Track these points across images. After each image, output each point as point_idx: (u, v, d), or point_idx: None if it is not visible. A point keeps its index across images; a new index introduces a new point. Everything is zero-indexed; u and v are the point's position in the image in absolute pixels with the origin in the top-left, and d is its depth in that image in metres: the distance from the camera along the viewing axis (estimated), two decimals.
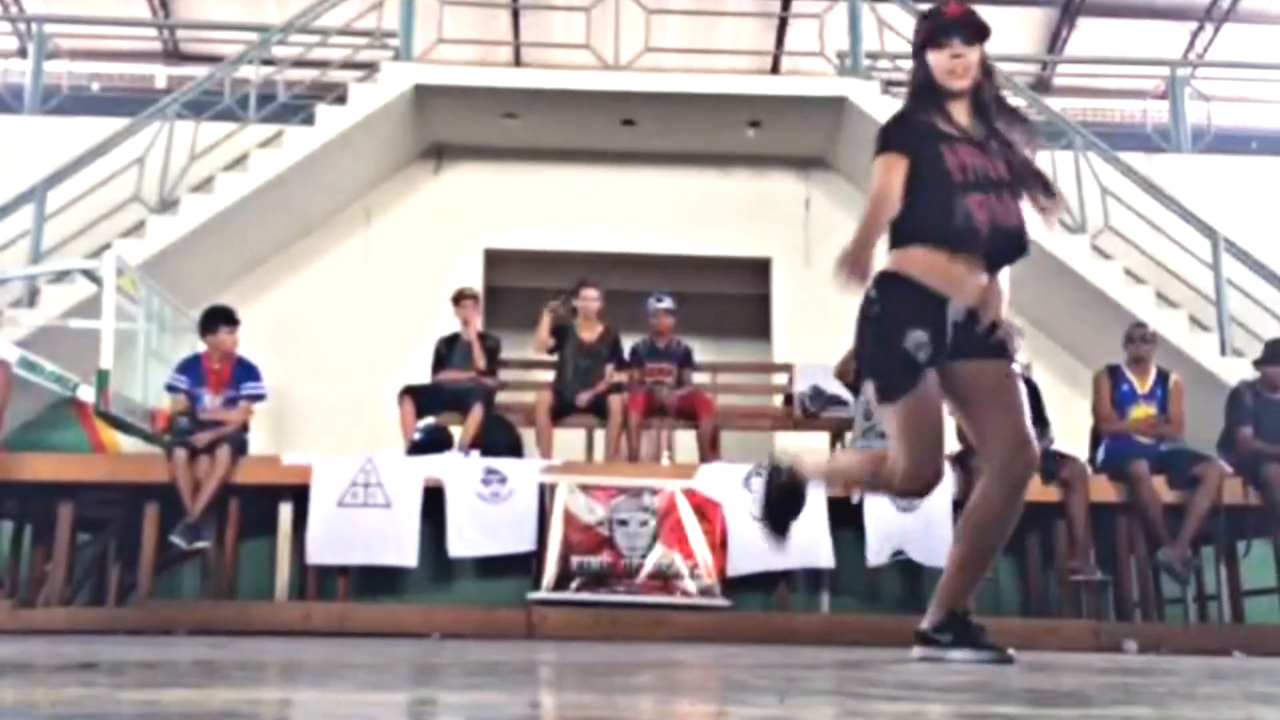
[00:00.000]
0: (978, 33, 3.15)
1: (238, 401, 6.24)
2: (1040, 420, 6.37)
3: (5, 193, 7.58)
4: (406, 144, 8.78)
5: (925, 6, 8.96)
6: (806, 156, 8.93)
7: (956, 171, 3.06)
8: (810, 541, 5.97)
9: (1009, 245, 3.09)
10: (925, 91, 3.18)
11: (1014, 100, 4.03)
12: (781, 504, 3.36)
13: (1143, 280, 8.05)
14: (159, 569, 5.97)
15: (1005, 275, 3.18)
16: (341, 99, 8.21)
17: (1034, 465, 3.13)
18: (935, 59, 3.14)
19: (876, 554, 5.93)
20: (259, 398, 6.33)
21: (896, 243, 3.15)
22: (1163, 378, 6.40)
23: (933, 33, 3.14)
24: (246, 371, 6.33)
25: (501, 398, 7.16)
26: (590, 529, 5.90)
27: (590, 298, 7.08)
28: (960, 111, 3.17)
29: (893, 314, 3.05)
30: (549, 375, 7.23)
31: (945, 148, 3.09)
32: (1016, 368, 3.18)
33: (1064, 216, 8.13)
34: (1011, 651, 3.15)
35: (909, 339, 3.00)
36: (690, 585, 5.87)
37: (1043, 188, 3.13)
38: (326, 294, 8.55)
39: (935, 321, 3.04)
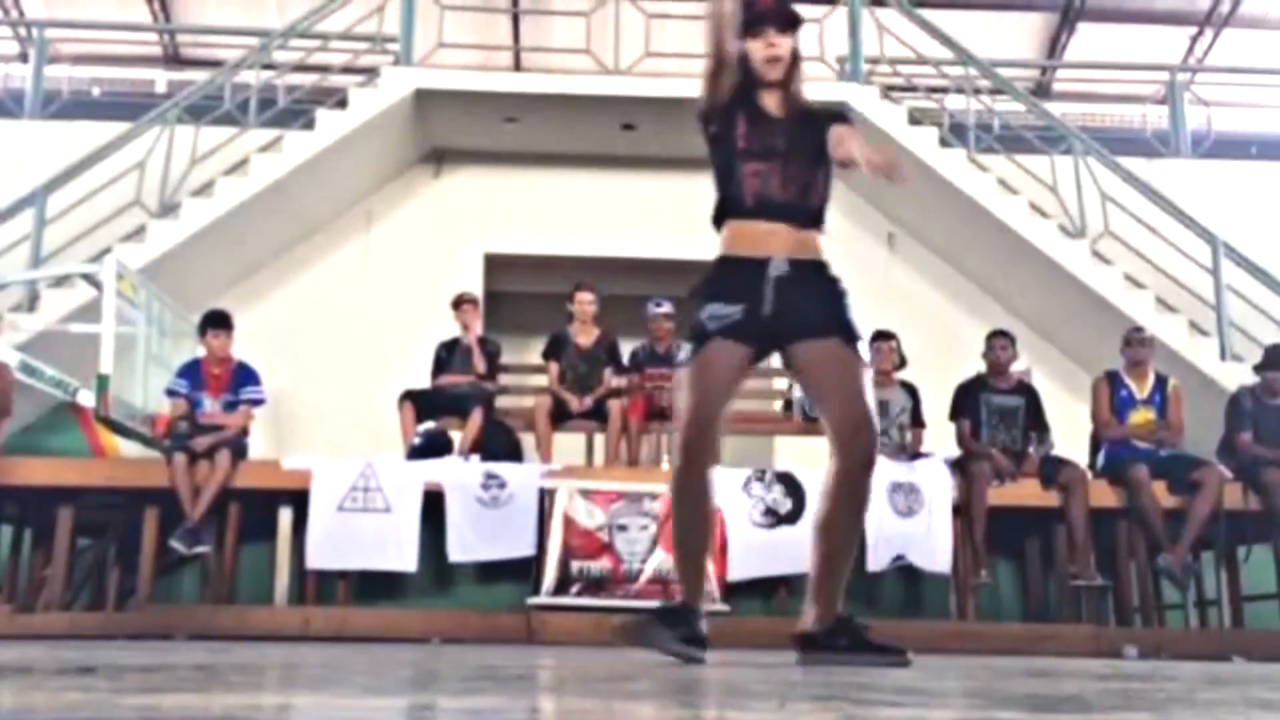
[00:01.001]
0: (790, 22, 3.24)
1: (237, 405, 6.24)
2: (1040, 425, 6.39)
3: (6, 197, 7.58)
4: (407, 148, 8.79)
5: (924, 12, 8.97)
6: None
7: (741, 139, 3.18)
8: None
9: (786, 212, 3.13)
10: (744, 81, 3.24)
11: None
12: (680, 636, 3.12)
13: (1142, 285, 8.06)
14: (158, 574, 5.97)
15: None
16: (342, 103, 8.22)
17: (871, 449, 3.03)
18: (751, 48, 3.21)
19: (877, 559, 5.93)
20: (258, 402, 6.34)
21: (717, 224, 3.24)
22: (1161, 382, 6.40)
23: (748, 23, 3.21)
24: (246, 375, 6.34)
25: (501, 402, 7.16)
26: (590, 534, 5.90)
27: (585, 301, 7.07)
28: (771, 99, 3.25)
29: (701, 291, 3.16)
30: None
31: (744, 118, 3.20)
32: (863, 349, 3.13)
33: (1064, 222, 8.18)
34: (910, 655, 3.07)
35: (705, 310, 3.09)
36: None
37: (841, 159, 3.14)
38: (327, 298, 8.55)
39: (752, 286, 3.07)
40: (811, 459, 7.40)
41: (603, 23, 8.73)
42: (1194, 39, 12.00)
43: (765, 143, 3.17)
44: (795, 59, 3.27)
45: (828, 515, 3.10)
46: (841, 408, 3.06)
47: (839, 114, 3.40)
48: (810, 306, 3.09)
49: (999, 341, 6.48)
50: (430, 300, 7.72)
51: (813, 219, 3.18)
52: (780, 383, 7.92)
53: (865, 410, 3.05)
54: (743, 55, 3.24)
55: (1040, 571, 6.45)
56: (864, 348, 3.16)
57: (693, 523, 3.18)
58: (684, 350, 3.14)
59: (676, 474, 3.12)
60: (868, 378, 3.12)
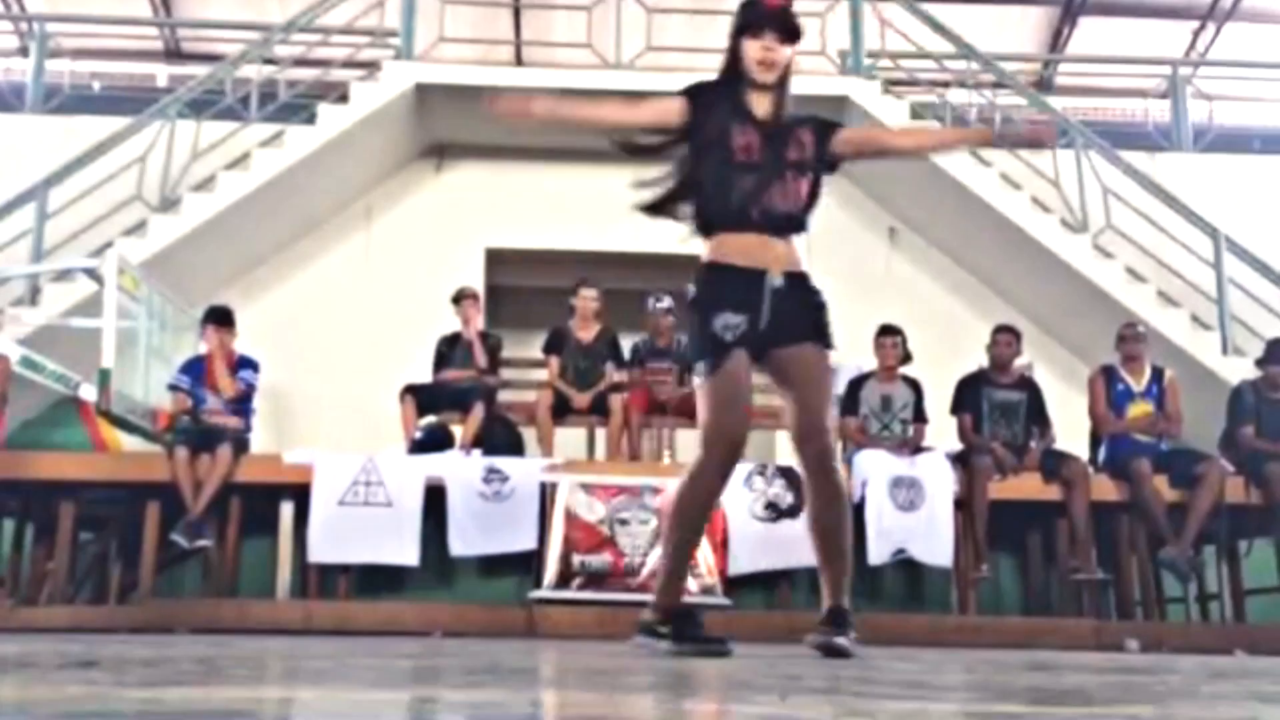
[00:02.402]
0: (792, 33, 3.24)
1: (240, 403, 6.29)
2: (1041, 420, 6.39)
3: (7, 192, 7.58)
4: (408, 143, 8.78)
5: (926, 6, 8.95)
6: None
7: (740, 151, 3.19)
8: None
9: (780, 224, 3.21)
10: (732, 75, 3.26)
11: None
12: (693, 637, 3.14)
13: (1144, 279, 8.05)
14: (160, 568, 5.97)
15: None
16: (343, 98, 8.21)
17: (823, 454, 3.14)
18: (748, 47, 3.21)
19: (877, 553, 5.93)
20: (250, 384, 6.37)
21: (706, 231, 3.28)
22: (1158, 374, 6.41)
23: (749, 22, 3.21)
24: (244, 363, 6.40)
25: (502, 397, 7.16)
26: (591, 528, 5.90)
27: (588, 298, 7.08)
28: (760, 103, 3.25)
29: (705, 300, 3.20)
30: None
31: (737, 126, 3.20)
32: (831, 356, 3.25)
33: (1066, 215, 8.17)
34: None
35: (717, 321, 3.12)
36: (691, 584, 5.85)
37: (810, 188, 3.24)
38: (328, 293, 8.55)
39: (752, 297, 3.14)
40: None
41: (604, 17, 8.71)
42: (1196, 33, 11.96)
43: (757, 153, 3.19)
44: (788, 68, 3.27)
45: (809, 515, 3.24)
46: (801, 409, 3.17)
47: (824, 119, 3.40)
48: (795, 316, 3.19)
49: (1004, 337, 6.48)
50: (431, 295, 7.71)
51: (796, 228, 3.24)
52: None
53: (822, 415, 3.18)
54: (733, 58, 3.24)
55: (1041, 565, 6.45)
56: (833, 357, 3.26)
57: (699, 528, 3.27)
58: (702, 362, 3.15)
59: (699, 483, 3.15)
60: (833, 384, 3.25)
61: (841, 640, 3.09)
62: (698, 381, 3.17)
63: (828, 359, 3.23)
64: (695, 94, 3.27)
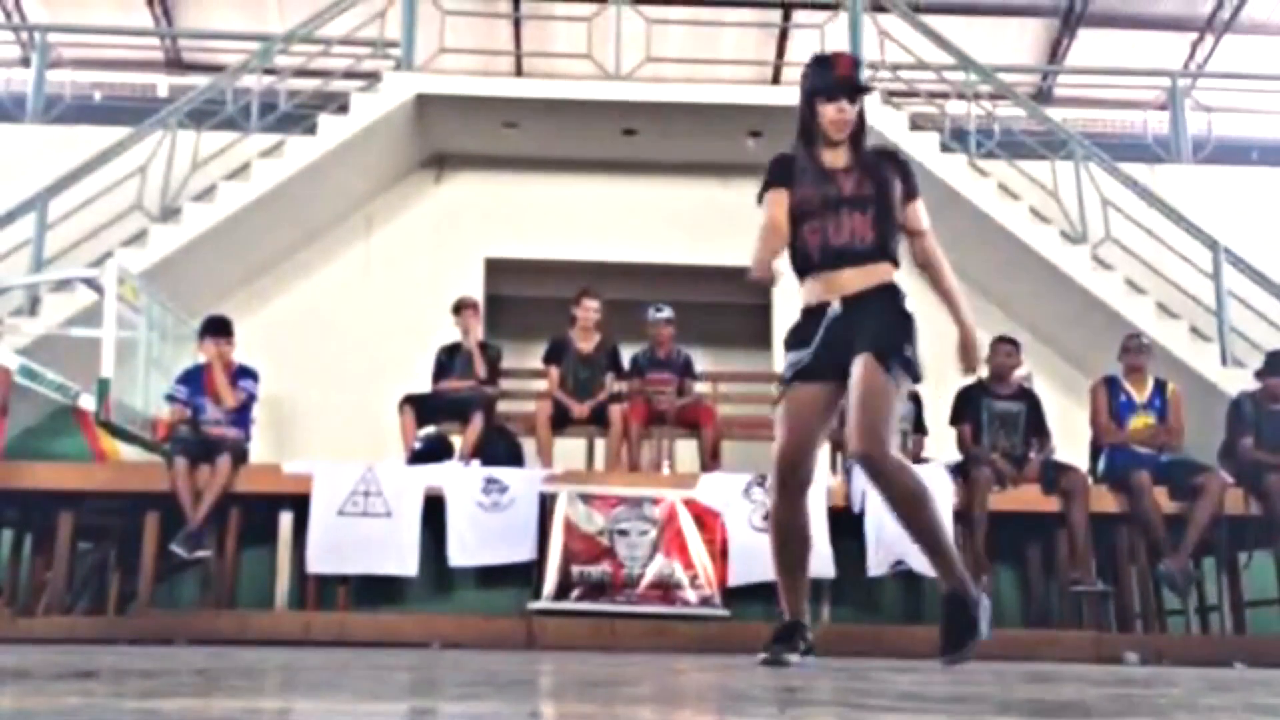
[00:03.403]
0: (859, 92, 3.55)
1: (240, 412, 6.29)
2: (1041, 431, 6.38)
3: (7, 201, 7.59)
4: (408, 153, 8.80)
5: (925, 18, 8.94)
6: None
7: (798, 205, 3.46)
8: (811, 552, 5.97)
9: (844, 258, 3.42)
10: (809, 133, 3.53)
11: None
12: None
13: (1143, 291, 8.06)
14: (159, 578, 5.97)
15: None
16: (343, 108, 8.23)
17: (866, 460, 3.29)
18: (823, 110, 3.49)
19: (877, 564, 5.92)
20: (250, 394, 6.37)
21: (799, 274, 3.55)
22: (1160, 387, 6.40)
23: (823, 89, 3.49)
24: (243, 373, 6.41)
25: (502, 407, 7.16)
26: (590, 538, 5.90)
27: (590, 309, 7.08)
28: (836, 157, 3.51)
29: (786, 341, 3.55)
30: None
31: (801, 184, 3.48)
32: (907, 384, 3.42)
33: (1065, 227, 8.18)
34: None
35: (786, 359, 3.51)
36: (690, 595, 5.86)
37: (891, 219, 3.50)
38: (327, 303, 8.56)
39: (814, 331, 3.42)
40: None
41: (604, 28, 8.74)
42: (1195, 44, 12.00)
43: (820, 197, 3.42)
44: (861, 120, 3.53)
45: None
46: (850, 422, 3.33)
47: (895, 155, 3.68)
48: (857, 332, 3.36)
49: (1004, 348, 6.47)
50: (431, 305, 7.72)
51: (878, 255, 3.43)
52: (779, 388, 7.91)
53: (861, 424, 3.29)
54: (809, 118, 3.49)
55: (1041, 577, 6.44)
56: (900, 363, 3.38)
57: (787, 544, 3.48)
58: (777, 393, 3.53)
59: (771, 503, 3.49)
60: (885, 387, 3.31)
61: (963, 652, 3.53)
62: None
63: (879, 365, 3.31)
64: (783, 176, 3.48)
